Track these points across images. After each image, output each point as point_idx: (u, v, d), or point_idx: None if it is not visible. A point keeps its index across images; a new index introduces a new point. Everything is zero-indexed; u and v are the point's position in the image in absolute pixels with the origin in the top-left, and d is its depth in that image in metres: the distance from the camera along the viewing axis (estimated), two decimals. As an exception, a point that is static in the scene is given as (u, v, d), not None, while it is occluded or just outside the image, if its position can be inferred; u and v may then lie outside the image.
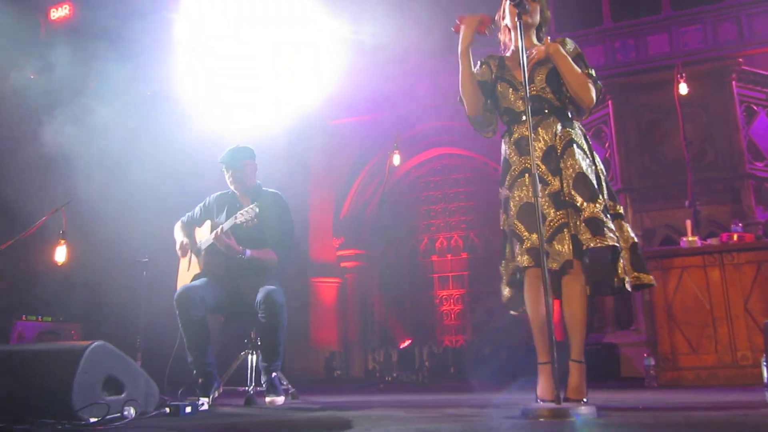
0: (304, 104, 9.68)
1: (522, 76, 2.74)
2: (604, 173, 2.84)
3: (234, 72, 9.14)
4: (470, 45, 2.88)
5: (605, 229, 2.61)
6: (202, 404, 3.32)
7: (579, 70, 2.82)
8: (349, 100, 9.64)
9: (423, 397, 4.33)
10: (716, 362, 4.64)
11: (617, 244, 2.64)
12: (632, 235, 2.79)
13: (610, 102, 6.67)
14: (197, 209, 4.16)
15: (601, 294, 2.92)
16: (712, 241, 4.98)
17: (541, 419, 2.39)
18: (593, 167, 2.79)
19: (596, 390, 4.12)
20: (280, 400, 3.66)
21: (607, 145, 6.80)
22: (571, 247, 2.64)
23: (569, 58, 2.81)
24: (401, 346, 8.09)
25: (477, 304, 9.77)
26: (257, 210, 3.58)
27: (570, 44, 2.93)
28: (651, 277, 2.78)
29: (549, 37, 3.07)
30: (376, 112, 9.59)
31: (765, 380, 1.82)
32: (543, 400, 2.67)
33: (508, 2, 2.95)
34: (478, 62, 3.01)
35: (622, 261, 2.70)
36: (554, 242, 2.65)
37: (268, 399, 3.62)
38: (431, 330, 9.89)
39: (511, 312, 3.00)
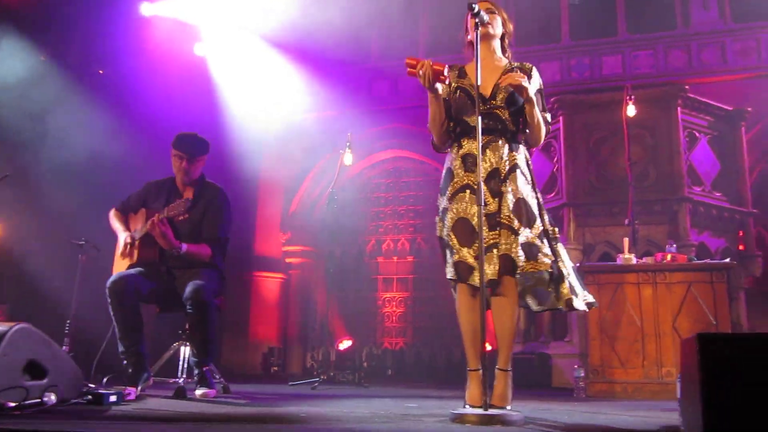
0: (258, 97, 9.62)
1: (482, 89, 2.81)
2: (542, 202, 2.89)
3: (185, 57, 9.00)
4: (437, 95, 2.84)
5: (539, 254, 2.68)
6: (129, 394, 3.24)
7: (541, 118, 2.87)
8: (306, 96, 9.58)
9: (357, 396, 4.33)
10: (642, 377, 4.78)
11: (550, 269, 2.70)
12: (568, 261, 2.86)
13: (561, 118, 6.81)
14: (134, 195, 4.05)
15: (547, 310, 2.98)
16: (647, 260, 5.13)
17: (468, 424, 2.42)
18: (534, 194, 2.85)
19: (526, 398, 4.21)
20: (211, 393, 3.61)
21: (555, 159, 6.95)
22: (497, 267, 2.70)
23: (537, 104, 2.85)
24: (339, 347, 8.06)
25: (419, 308, 9.84)
26: (189, 203, 3.51)
27: (536, 76, 2.96)
28: (591, 297, 2.86)
29: (511, 51, 3.11)
30: (332, 110, 9.54)
31: (678, 396, 1.89)
32: (471, 406, 2.71)
33: (469, 15, 2.95)
34: None
35: (567, 282, 2.76)
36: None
37: (198, 392, 3.56)
38: (372, 331, 9.91)
39: None
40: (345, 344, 8.02)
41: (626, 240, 5.28)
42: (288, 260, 10.01)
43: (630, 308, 4.94)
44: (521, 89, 2.75)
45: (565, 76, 9.40)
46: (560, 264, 2.77)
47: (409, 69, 2.87)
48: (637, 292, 4.95)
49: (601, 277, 5.06)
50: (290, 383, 5.87)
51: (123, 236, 3.91)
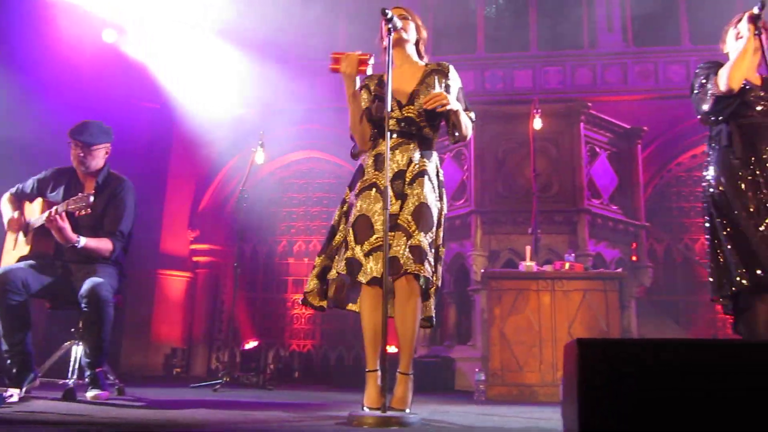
0: (170, 90, 9.34)
1: (399, 95, 2.86)
2: (445, 215, 2.96)
3: (97, 45, 8.64)
4: (356, 89, 2.89)
5: (426, 261, 2.71)
6: (11, 395, 3.06)
7: (466, 119, 2.94)
8: (221, 92, 9.39)
9: (259, 399, 4.27)
10: (539, 381, 4.96)
11: (430, 278, 2.76)
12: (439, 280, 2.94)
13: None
14: (31, 182, 3.82)
15: None
16: (547, 268, 5.35)
17: (365, 426, 2.44)
18: (438, 204, 2.89)
19: (427, 401, 4.29)
20: (104, 395, 3.45)
21: (465, 167, 7.12)
22: (384, 267, 2.73)
23: (461, 109, 2.90)
24: (245, 347, 7.93)
25: (329, 310, 9.79)
26: (91, 199, 3.36)
27: (455, 75, 3.04)
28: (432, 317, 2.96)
29: (428, 57, 3.17)
30: (246, 108, 9.39)
31: (560, 399, 1.98)
32: (369, 408, 2.73)
33: (383, 21, 2.97)
34: (359, 86, 3.02)
35: (433, 299, 2.88)
36: (371, 258, 2.74)
37: (90, 394, 3.41)
38: (280, 333, 9.80)
39: (304, 303, 3.02)
40: (250, 345, 7.89)
41: (528, 248, 5.48)
42: (195, 259, 9.74)
43: (529, 314, 5.12)
44: (445, 108, 2.79)
45: (478, 86, 9.65)
46: (437, 281, 2.85)
47: (332, 64, 2.88)
48: (537, 299, 5.14)
49: (504, 283, 5.23)
50: (191, 385, 5.71)
51: (8, 216, 3.69)
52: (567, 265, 5.27)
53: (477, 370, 5.28)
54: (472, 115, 3.03)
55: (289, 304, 9.92)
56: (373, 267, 2.73)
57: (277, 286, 10.01)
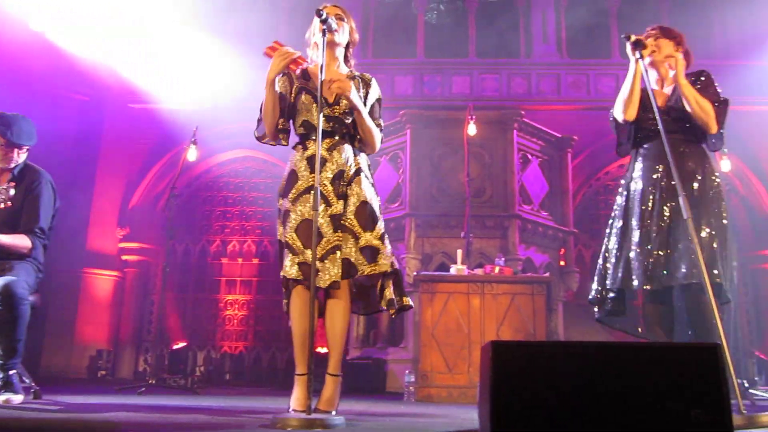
0: (102, 82, 9.05)
1: (325, 93, 2.86)
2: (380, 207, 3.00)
3: (24, 33, 8.30)
4: (277, 77, 2.89)
5: (379, 255, 2.76)
6: None
7: (373, 126, 2.97)
8: (155, 86, 9.17)
9: (185, 402, 4.18)
10: (467, 382, 5.04)
11: (389, 269, 2.80)
12: (396, 263, 2.97)
13: (408, 131, 7.05)
14: None
15: (371, 313, 3.09)
16: (478, 272, 5.45)
17: (288, 428, 2.42)
18: (377, 198, 2.95)
19: (358, 402, 4.29)
20: (17, 398, 3.29)
21: (401, 171, 7.17)
22: (340, 269, 2.75)
23: (365, 112, 2.93)
24: (173, 348, 7.75)
25: (262, 311, 9.70)
26: (12, 192, 3.21)
27: (375, 87, 3.07)
28: (409, 299, 2.97)
29: (355, 61, 3.18)
30: (182, 104, 9.18)
31: (477, 399, 2.02)
32: (295, 410, 2.71)
33: (318, 20, 2.97)
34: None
35: (392, 285, 2.88)
36: (326, 261, 2.75)
37: (2, 397, 3.25)
38: (212, 334, 9.62)
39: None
40: (179, 346, 7.72)
41: (460, 251, 5.57)
42: (124, 257, 9.44)
43: (459, 316, 5.20)
44: (346, 97, 2.84)
45: (417, 91, 9.75)
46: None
47: (268, 49, 2.89)
48: (467, 302, 5.23)
49: (435, 286, 5.29)
50: (116, 388, 5.53)
51: None
52: (497, 269, 5.38)
53: (407, 371, 5.33)
54: (381, 123, 3.09)
55: (221, 305, 9.75)
56: (330, 270, 2.73)
57: (209, 287, 9.82)
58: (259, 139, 3.06)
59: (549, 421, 1.46)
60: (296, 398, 2.77)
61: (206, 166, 9.88)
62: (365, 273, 2.75)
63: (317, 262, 2.73)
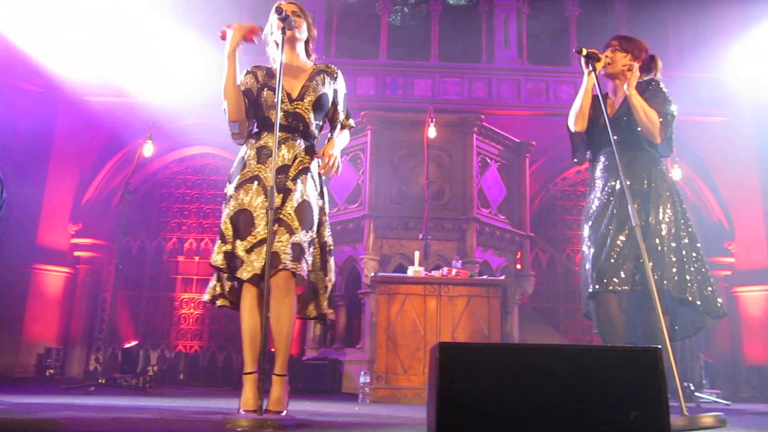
0: (55, 74, 8.83)
1: (289, 89, 2.86)
2: (327, 216, 3.00)
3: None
4: (237, 48, 2.84)
5: (303, 258, 2.73)
6: None
7: (346, 139, 3.07)
8: (112, 79, 8.99)
9: (135, 402, 4.10)
10: (422, 383, 5.05)
11: (306, 276, 2.77)
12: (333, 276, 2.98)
13: (369, 132, 7.05)
14: None
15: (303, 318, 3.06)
16: (435, 274, 5.48)
17: (238, 429, 2.40)
18: (320, 202, 2.92)
19: (313, 403, 4.28)
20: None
21: (361, 171, 7.17)
22: (264, 262, 2.72)
23: (340, 138, 3.02)
24: (124, 346, 7.60)
25: (218, 311, 9.58)
26: None
27: (341, 80, 3.09)
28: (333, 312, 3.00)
29: (316, 56, 3.17)
30: (140, 97, 9.01)
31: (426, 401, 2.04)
32: (245, 411, 2.68)
33: (275, 17, 2.95)
34: (244, 71, 2.98)
35: (327, 294, 2.89)
36: (252, 254, 2.72)
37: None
38: (166, 333, 9.46)
39: (209, 302, 2.95)
40: (131, 344, 7.58)
41: (417, 253, 5.60)
42: (77, 254, 9.21)
43: (416, 318, 5.22)
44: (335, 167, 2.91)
45: (379, 92, 9.77)
46: (327, 279, 2.89)
47: (224, 31, 2.87)
48: (423, 304, 5.26)
49: (393, 287, 5.31)
50: (63, 387, 5.40)
51: None
52: (454, 272, 5.42)
53: (363, 372, 5.33)
54: (352, 122, 3.15)
55: (176, 303, 9.60)
56: (256, 263, 2.69)
57: (165, 285, 9.65)
58: (231, 125, 2.93)
59: (493, 422, 1.48)
60: (245, 399, 2.74)
61: (163, 163, 9.72)
62: (287, 268, 2.70)
63: (243, 254, 2.71)
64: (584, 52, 3.12)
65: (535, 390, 1.50)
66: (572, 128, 3.39)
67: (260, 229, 2.72)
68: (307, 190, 2.85)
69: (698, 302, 3.12)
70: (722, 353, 8.83)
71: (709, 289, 3.18)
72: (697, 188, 9.49)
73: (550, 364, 1.52)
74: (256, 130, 2.97)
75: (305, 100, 2.92)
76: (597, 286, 3.17)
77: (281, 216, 2.77)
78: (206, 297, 2.93)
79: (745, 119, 9.36)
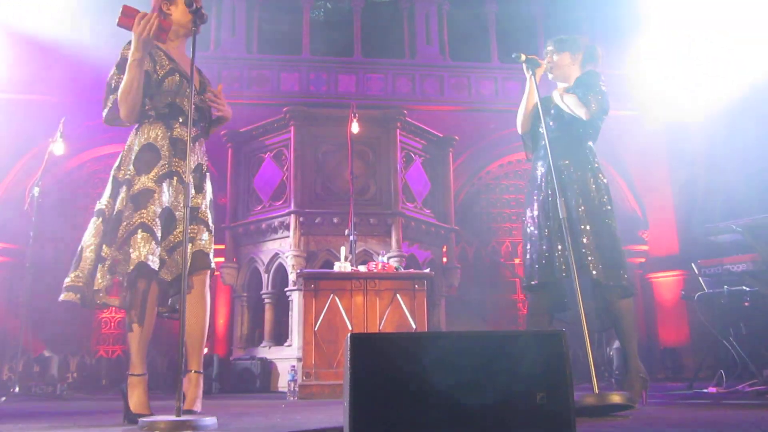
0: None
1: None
2: None
3: None
4: (146, 54, 2.67)
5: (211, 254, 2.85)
6: None
7: None
8: (21, 74, 8.56)
9: (49, 409, 3.94)
10: (350, 378, 5.08)
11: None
12: None
13: (292, 128, 7.00)
14: None
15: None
16: (361, 268, 5.50)
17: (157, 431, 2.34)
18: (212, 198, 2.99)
19: (239, 403, 4.23)
20: None
21: (285, 167, 7.11)
22: (192, 261, 2.70)
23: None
24: (38, 355, 7.28)
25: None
26: None
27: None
28: None
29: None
30: (52, 95, 8.62)
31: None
32: (139, 415, 2.58)
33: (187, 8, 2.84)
34: None
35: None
36: (175, 254, 2.69)
37: None
38: (86, 338, 9.10)
39: (91, 306, 2.76)
40: (46, 353, 7.27)
41: (343, 249, 5.60)
42: (-15, 259, 8.74)
43: (343, 313, 5.22)
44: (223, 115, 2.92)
45: (303, 88, 9.70)
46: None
47: (122, 19, 2.66)
48: (350, 298, 5.26)
49: (319, 283, 5.28)
50: (-28, 399, 5.12)
51: None
52: (379, 266, 5.45)
53: (290, 369, 5.30)
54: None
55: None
56: (179, 262, 2.65)
57: (83, 289, 9.25)
58: (108, 121, 2.83)
59: (405, 410, 1.51)
60: (138, 402, 2.66)
61: (80, 161, 9.33)
62: (211, 267, 2.78)
63: (164, 253, 2.67)
64: (523, 58, 3.21)
65: (445, 376, 1.54)
66: (519, 130, 3.61)
67: (181, 230, 2.67)
68: (210, 187, 2.93)
69: (611, 283, 3.28)
70: (638, 336, 9.26)
71: (621, 271, 3.34)
72: (613, 179, 9.90)
73: (460, 350, 1.56)
74: (155, 113, 2.79)
75: (205, 96, 2.90)
76: (524, 282, 3.34)
77: (200, 215, 2.76)
78: (67, 295, 2.71)
79: (654, 113, 9.82)
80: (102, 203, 2.75)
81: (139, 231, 2.60)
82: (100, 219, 2.73)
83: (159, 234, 2.64)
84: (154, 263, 2.60)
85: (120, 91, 2.69)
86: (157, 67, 2.78)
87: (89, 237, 2.71)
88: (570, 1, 10.23)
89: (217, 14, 9.57)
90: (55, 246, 9.24)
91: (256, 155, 7.41)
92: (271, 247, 7.09)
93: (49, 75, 8.73)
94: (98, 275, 2.65)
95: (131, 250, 2.59)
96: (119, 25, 2.67)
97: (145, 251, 2.58)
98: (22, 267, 8.78)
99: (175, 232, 2.70)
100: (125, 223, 2.65)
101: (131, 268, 2.58)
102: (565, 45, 3.56)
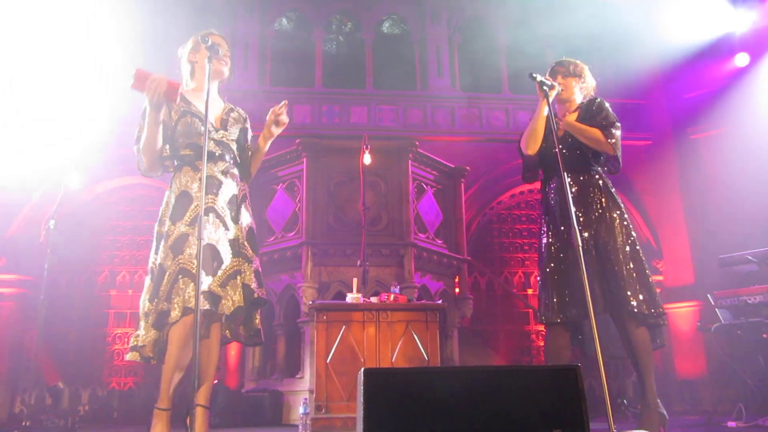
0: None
1: (214, 121, 2.87)
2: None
3: None
4: (159, 113, 2.80)
5: (262, 282, 2.82)
6: None
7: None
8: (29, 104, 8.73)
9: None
10: (362, 411, 5.02)
11: (266, 298, 2.92)
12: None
13: (305, 159, 7.04)
14: None
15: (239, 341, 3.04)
16: (374, 299, 5.47)
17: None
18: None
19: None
20: None
21: (297, 198, 7.14)
22: (242, 294, 2.73)
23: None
24: (50, 386, 7.27)
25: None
26: None
27: (249, 125, 3.19)
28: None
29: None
30: (73, 127, 8.75)
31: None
32: None
33: (202, 46, 2.93)
34: None
35: (259, 316, 2.91)
36: (228, 287, 2.72)
37: None
38: (98, 370, 9.08)
39: (135, 359, 2.83)
40: (59, 385, 7.26)
41: (355, 280, 5.58)
42: (0, 290, 8.79)
43: (355, 345, 5.19)
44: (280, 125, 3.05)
45: (315, 120, 9.80)
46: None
47: (135, 83, 2.77)
48: (362, 330, 5.23)
49: (331, 314, 5.26)
50: (-16, 432, 5.11)
51: None
52: (392, 297, 5.43)
53: (303, 402, 5.25)
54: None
55: (109, 339, 9.24)
56: (233, 296, 2.70)
57: (96, 320, 9.28)
58: (142, 172, 3.00)
59: (418, 446, 1.49)
60: None
61: (95, 193, 9.44)
62: (258, 296, 2.81)
63: (218, 289, 2.69)
64: (538, 78, 3.21)
65: (460, 411, 1.52)
66: (525, 151, 3.48)
67: (228, 262, 2.73)
68: (249, 216, 2.97)
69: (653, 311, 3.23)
70: (655, 368, 9.11)
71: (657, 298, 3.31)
72: (626, 209, 9.85)
73: (474, 386, 1.55)
74: (179, 161, 2.92)
75: (230, 130, 2.95)
76: (544, 317, 3.27)
77: (238, 248, 2.81)
78: (132, 356, 2.82)
79: (667, 143, 9.81)
80: (150, 262, 2.85)
81: (179, 277, 2.67)
82: (149, 277, 2.84)
83: (203, 273, 2.67)
84: (203, 304, 2.64)
85: (141, 144, 2.86)
86: (172, 113, 2.89)
87: (143, 297, 2.83)
88: (579, 31, 10.31)
89: (230, 47, 9.72)
90: (68, 277, 9.30)
91: (269, 186, 7.45)
92: (283, 278, 7.08)
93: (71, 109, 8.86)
94: (143, 331, 2.75)
95: (176, 299, 2.66)
96: (132, 88, 2.79)
97: (188, 296, 2.65)
98: (36, 298, 8.88)
99: (222, 267, 2.74)
100: (168, 273, 2.72)
101: (180, 315, 2.64)
102: (576, 68, 3.58)
